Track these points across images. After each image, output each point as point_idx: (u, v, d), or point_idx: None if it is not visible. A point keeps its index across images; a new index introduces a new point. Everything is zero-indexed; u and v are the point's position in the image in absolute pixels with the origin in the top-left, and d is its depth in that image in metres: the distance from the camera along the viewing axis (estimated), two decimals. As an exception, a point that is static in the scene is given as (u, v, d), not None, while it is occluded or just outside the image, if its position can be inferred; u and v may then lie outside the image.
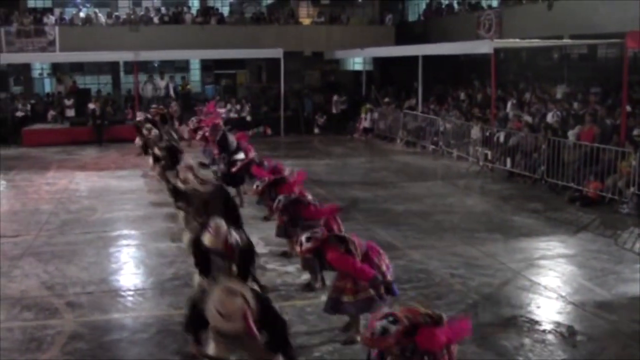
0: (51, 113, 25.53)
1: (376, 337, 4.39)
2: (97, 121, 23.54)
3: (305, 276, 8.84)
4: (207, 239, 6.62)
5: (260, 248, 10.27)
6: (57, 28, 27.26)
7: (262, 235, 10.93)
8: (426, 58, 22.24)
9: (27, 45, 26.84)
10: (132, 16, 28.72)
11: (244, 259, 6.87)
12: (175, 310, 7.74)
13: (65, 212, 13.10)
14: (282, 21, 29.70)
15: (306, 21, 30.82)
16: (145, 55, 25.43)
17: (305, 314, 7.64)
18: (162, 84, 27.46)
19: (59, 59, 28.13)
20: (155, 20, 28.82)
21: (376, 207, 13.14)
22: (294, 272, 9.13)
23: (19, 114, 25.34)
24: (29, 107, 25.93)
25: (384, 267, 6.58)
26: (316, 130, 25.63)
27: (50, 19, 28.03)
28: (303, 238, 6.64)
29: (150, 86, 27.01)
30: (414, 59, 22.24)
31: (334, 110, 26.13)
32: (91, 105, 24.17)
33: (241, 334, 4.75)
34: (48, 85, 31.88)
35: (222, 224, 6.70)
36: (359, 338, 5.40)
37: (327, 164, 18.68)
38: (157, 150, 13.61)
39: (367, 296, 6.50)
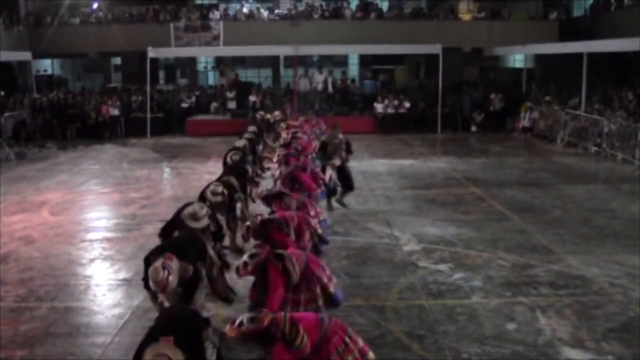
0: (214, 105, 26.60)
1: (232, 326, 4.74)
2: (255, 114, 24.25)
3: (458, 275, 8.74)
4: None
5: (412, 245, 10.27)
6: (221, 23, 28.40)
7: (414, 232, 10.91)
8: (591, 55, 21.27)
9: (194, 40, 28.14)
10: (293, 12, 29.42)
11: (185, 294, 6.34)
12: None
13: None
14: (442, 17, 29.43)
15: (466, 17, 30.35)
16: (304, 50, 25.99)
17: (455, 314, 7.53)
18: (320, 78, 27.91)
19: (222, 52, 29.31)
20: (315, 15, 29.34)
21: (533, 209, 12.73)
22: (445, 271, 9.03)
23: (184, 105, 26.66)
24: (193, 98, 27.18)
25: (325, 279, 6.39)
26: (473, 128, 25.19)
27: (216, 15, 29.25)
28: (244, 259, 6.34)
29: (305, 80, 27.53)
30: (578, 56, 21.33)
31: (492, 108, 25.55)
32: (252, 98, 25.03)
33: None
34: (211, 78, 33.30)
35: (158, 268, 6.01)
36: None
37: (483, 162, 18.32)
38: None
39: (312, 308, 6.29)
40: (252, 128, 16.33)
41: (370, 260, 9.60)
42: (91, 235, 11.16)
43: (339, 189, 12.52)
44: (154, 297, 6.48)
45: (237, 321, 4.78)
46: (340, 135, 12.60)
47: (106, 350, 6.81)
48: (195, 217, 7.43)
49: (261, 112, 20.97)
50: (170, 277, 5.96)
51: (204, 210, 7.54)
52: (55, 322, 7.42)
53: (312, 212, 8.65)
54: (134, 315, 7.68)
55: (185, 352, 4.88)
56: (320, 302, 6.42)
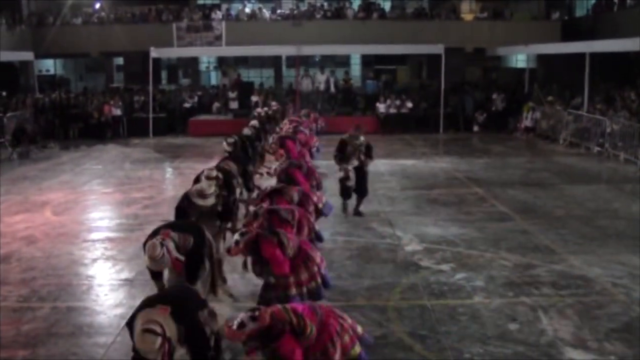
0: (216, 105, 26.61)
1: (233, 329, 4.58)
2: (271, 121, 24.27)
3: (460, 275, 8.74)
4: (145, 259, 6.32)
5: (414, 245, 10.27)
6: (224, 23, 28.42)
7: (416, 232, 10.91)
8: (594, 55, 21.24)
9: (196, 40, 28.18)
10: (295, 12, 29.43)
11: (188, 267, 6.50)
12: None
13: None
14: (444, 17, 29.43)
15: (468, 17, 30.34)
16: (307, 50, 26.00)
17: (457, 314, 7.53)
18: (322, 78, 27.92)
19: (225, 53, 29.34)
20: (318, 15, 29.35)
21: (535, 209, 12.73)
22: (447, 271, 9.02)
23: (186, 105, 26.66)
24: (195, 98, 27.19)
25: (318, 259, 6.65)
26: (475, 128, 25.17)
27: (218, 15, 29.29)
28: (235, 238, 6.47)
29: (308, 80, 27.54)
30: (580, 56, 21.31)
31: (495, 108, 25.53)
32: (254, 98, 25.04)
33: None
34: (214, 78, 33.34)
35: (156, 244, 6.16)
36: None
37: (486, 162, 18.31)
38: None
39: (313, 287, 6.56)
40: (253, 122, 16.34)
41: (373, 260, 9.60)
42: (93, 235, 11.17)
43: (354, 195, 12.13)
44: (155, 276, 6.47)
45: (237, 323, 4.65)
46: (362, 138, 12.16)
47: (108, 350, 6.80)
48: (202, 194, 7.46)
49: (258, 109, 20.96)
50: (170, 248, 6.05)
51: (212, 189, 7.53)
52: (58, 322, 7.42)
53: (315, 198, 8.85)
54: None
55: (180, 325, 4.87)
56: (319, 280, 6.55)
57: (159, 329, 4.72)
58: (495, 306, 7.76)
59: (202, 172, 9.09)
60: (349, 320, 5.18)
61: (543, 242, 10.35)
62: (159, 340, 4.70)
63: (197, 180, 8.98)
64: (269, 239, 6.43)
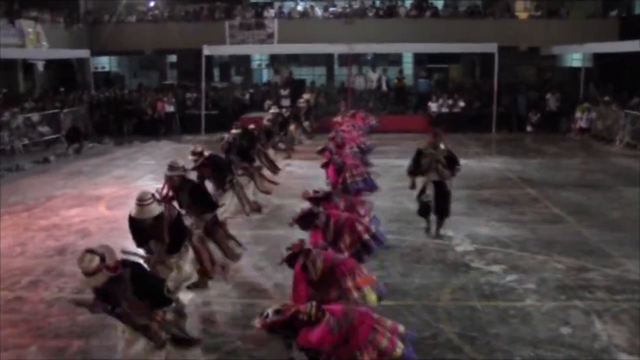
0: (267, 102, 26.68)
1: (262, 322, 5.10)
2: (310, 111, 24.34)
3: (511, 277, 8.63)
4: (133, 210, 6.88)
5: (465, 245, 10.17)
6: (276, 21, 28.55)
7: (468, 232, 10.80)
8: (653, 54, 20.73)
9: (248, 38, 28.36)
10: (348, 10, 29.37)
11: (173, 232, 7.12)
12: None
13: (277, 197, 13.65)
14: (498, 15, 29.03)
15: (522, 15, 29.87)
16: (359, 48, 25.91)
17: (508, 316, 7.44)
18: (374, 76, 27.81)
19: (277, 50, 29.39)
20: (370, 13, 29.26)
21: (590, 211, 12.48)
22: (498, 272, 8.92)
23: (244, 99, 26.82)
24: (247, 96, 27.34)
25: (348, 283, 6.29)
26: (529, 128, 24.81)
27: (270, 13, 29.39)
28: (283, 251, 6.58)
29: (361, 79, 27.47)
30: (639, 55, 20.82)
31: (548, 108, 25.13)
32: (305, 96, 25.04)
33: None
34: (265, 76, 33.41)
35: (147, 194, 6.88)
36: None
37: (539, 163, 18.05)
38: None
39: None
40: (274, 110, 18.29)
41: (423, 260, 9.55)
42: (146, 230, 11.30)
43: (433, 215, 10.63)
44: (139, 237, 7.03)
45: (264, 314, 5.09)
46: (442, 145, 10.37)
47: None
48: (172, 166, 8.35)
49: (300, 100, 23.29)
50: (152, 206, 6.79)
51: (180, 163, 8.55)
52: (111, 314, 7.54)
53: (362, 211, 8.50)
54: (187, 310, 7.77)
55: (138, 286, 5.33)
56: (355, 294, 6.33)
57: (100, 251, 5.14)
58: (547, 309, 7.64)
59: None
60: (389, 322, 5.15)
61: (597, 245, 10.16)
62: (97, 259, 5.08)
63: None
64: (301, 261, 6.33)
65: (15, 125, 20.95)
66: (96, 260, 5.11)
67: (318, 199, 8.25)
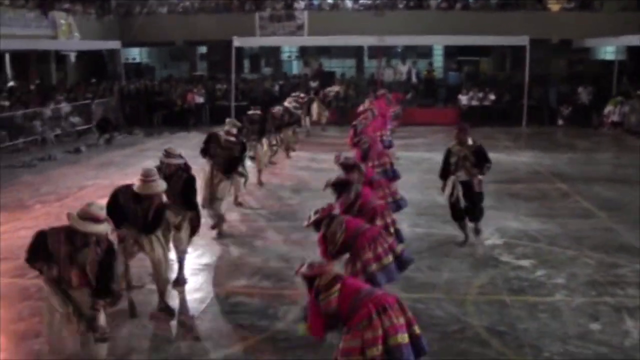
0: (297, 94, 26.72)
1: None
2: (340, 103, 24.36)
3: (541, 272, 8.57)
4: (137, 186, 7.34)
5: (494, 239, 10.12)
6: (306, 13, 28.56)
7: (497, 226, 10.74)
8: (689, 48, 20.39)
9: (278, 29, 28.40)
10: (378, 1, 29.25)
11: (183, 190, 8.02)
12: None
13: (306, 190, 13.69)
14: (529, 7, 28.72)
15: (555, 7, 29.51)
16: (389, 40, 25.81)
17: (536, 311, 7.39)
18: (403, 69, 27.71)
19: (306, 42, 29.40)
20: (400, 5, 29.12)
21: (622, 206, 12.33)
22: (528, 267, 8.86)
23: (274, 90, 26.91)
24: (277, 87, 27.39)
25: (369, 254, 6.51)
26: (560, 122, 24.60)
27: (300, 4, 29.38)
28: (310, 213, 6.86)
29: (390, 71, 27.37)
30: (674, 48, 20.52)
31: (580, 102, 24.85)
32: (335, 87, 25.04)
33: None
34: (295, 67, 33.43)
35: (152, 170, 7.32)
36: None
37: (570, 157, 17.87)
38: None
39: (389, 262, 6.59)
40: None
41: (451, 253, 9.52)
42: (175, 221, 11.37)
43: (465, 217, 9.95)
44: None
45: (303, 266, 5.46)
46: (470, 141, 9.75)
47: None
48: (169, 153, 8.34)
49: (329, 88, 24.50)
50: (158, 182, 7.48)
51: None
52: (141, 303, 7.61)
53: (389, 220, 7.54)
54: (214, 300, 7.84)
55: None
56: (374, 266, 6.47)
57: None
58: (576, 305, 7.58)
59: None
60: (401, 320, 5.01)
61: (629, 241, 10.04)
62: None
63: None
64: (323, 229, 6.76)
65: (47, 116, 21.26)
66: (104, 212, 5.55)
67: (348, 165, 8.67)
